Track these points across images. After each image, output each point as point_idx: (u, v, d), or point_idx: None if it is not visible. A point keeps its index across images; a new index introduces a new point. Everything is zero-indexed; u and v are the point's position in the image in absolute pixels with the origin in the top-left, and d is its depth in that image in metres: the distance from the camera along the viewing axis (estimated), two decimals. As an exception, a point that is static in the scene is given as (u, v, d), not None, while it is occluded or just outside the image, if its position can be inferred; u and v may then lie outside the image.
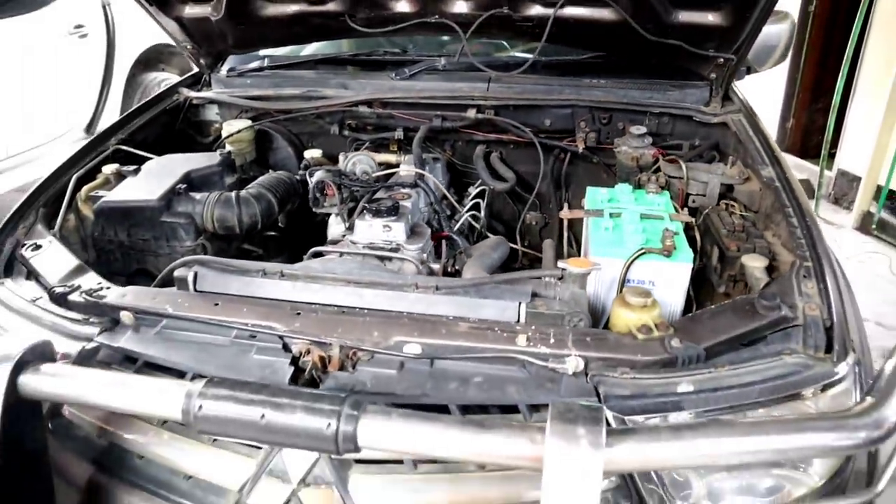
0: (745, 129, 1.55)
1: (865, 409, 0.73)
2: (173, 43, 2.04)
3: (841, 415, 0.74)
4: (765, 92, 5.19)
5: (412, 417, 0.75)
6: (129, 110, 1.94)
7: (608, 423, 0.73)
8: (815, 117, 4.85)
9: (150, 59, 4.93)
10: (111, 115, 4.51)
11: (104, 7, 4.64)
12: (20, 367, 0.84)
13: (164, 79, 5.04)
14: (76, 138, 4.36)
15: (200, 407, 0.77)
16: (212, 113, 2.09)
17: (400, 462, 0.91)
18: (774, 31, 2.05)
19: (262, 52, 2.29)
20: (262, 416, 0.75)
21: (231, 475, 0.94)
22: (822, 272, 1.03)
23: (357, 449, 0.74)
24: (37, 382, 0.84)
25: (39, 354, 0.86)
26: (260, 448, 0.93)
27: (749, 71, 2.10)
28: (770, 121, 5.15)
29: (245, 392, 0.77)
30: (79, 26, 4.38)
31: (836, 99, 3.96)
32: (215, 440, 0.96)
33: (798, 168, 4.89)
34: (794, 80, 4.99)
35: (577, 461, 0.67)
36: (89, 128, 4.48)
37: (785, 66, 4.90)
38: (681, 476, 0.85)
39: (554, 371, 0.90)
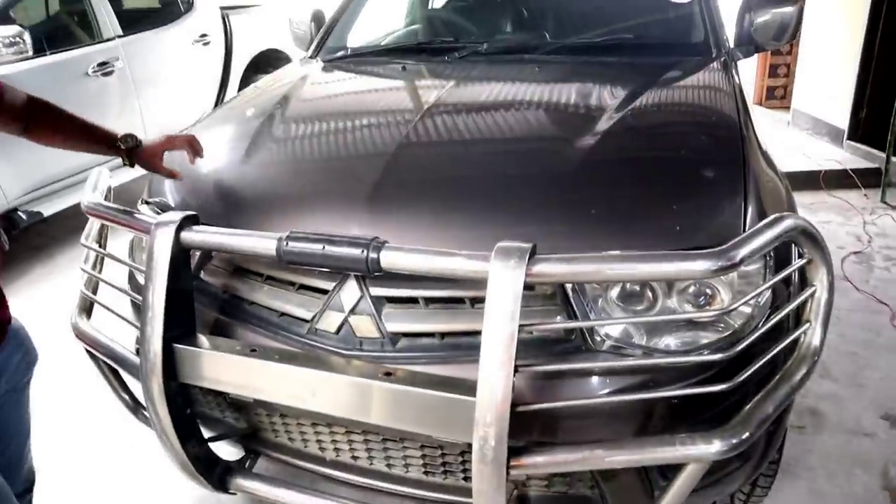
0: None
1: (725, 248, 1.08)
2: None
3: (703, 252, 1.09)
4: (837, 82, 5.27)
5: (414, 251, 1.19)
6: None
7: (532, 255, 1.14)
8: (887, 107, 4.91)
9: (261, 62, 5.66)
10: (228, 111, 5.26)
11: (224, 18, 5.39)
12: (181, 226, 1.35)
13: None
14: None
15: (287, 245, 1.25)
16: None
17: (416, 301, 1.35)
18: (788, 12, 2.36)
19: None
20: (323, 247, 1.23)
21: (307, 310, 1.42)
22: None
23: (380, 269, 1.20)
24: (190, 237, 1.36)
25: (192, 220, 1.38)
26: (324, 292, 1.40)
27: (757, 49, 2.41)
28: (843, 110, 5.23)
29: (313, 235, 1.25)
30: (203, 35, 5.14)
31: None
32: (298, 288, 1.44)
33: (870, 157, 4.96)
34: (867, 70, 5.05)
35: (506, 274, 1.09)
36: (210, 122, 5.24)
37: (857, 56, 4.99)
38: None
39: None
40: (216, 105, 5.26)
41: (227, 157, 1.84)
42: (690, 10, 2.46)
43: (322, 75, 2.40)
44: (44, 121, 1.53)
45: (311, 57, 2.64)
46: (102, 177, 1.73)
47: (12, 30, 3.59)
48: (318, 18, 2.84)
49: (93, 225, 1.75)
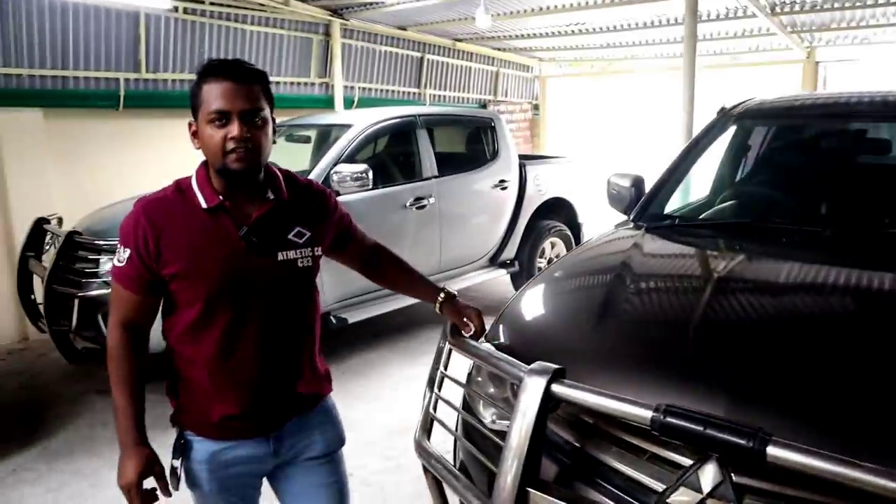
0: None
1: None
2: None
3: None
4: None
5: (811, 453, 1.15)
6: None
7: None
8: None
9: (547, 208, 6.10)
10: (510, 249, 5.72)
11: (521, 167, 5.93)
12: (553, 377, 1.48)
13: (552, 226, 6.14)
14: (481, 265, 5.62)
15: (664, 418, 1.30)
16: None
17: (781, 498, 1.29)
18: None
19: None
20: (704, 428, 1.25)
21: (659, 482, 1.43)
22: None
23: (763, 463, 1.18)
24: (562, 391, 1.47)
25: (560, 373, 1.50)
26: (679, 466, 1.40)
27: None
28: None
29: (694, 413, 1.28)
30: (502, 181, 5.70)
31: None
32: (649, 456, 1.46)
33: None
34: None
35: None
36: (493, 258, 5.70)
37: None
38: None
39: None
40: (501, 244, 5.70)
41: (576, 315, 1.98)
42: None
43: (657, 244, 2.47)
44: (383, 267, 1.83)
45: (632, 220, 2.78)
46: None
47: (360, 167, 4.35)
48: (637, 184, 3.00)
49: (442, 353, 1.98)
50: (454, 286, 5.14)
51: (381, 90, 8.01)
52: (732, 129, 3.19)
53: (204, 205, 1.45)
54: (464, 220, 5.35)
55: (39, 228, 4.25)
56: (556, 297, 2.02)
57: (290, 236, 1.52)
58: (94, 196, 5.47)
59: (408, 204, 4.85)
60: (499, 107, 9.55)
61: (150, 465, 1.46)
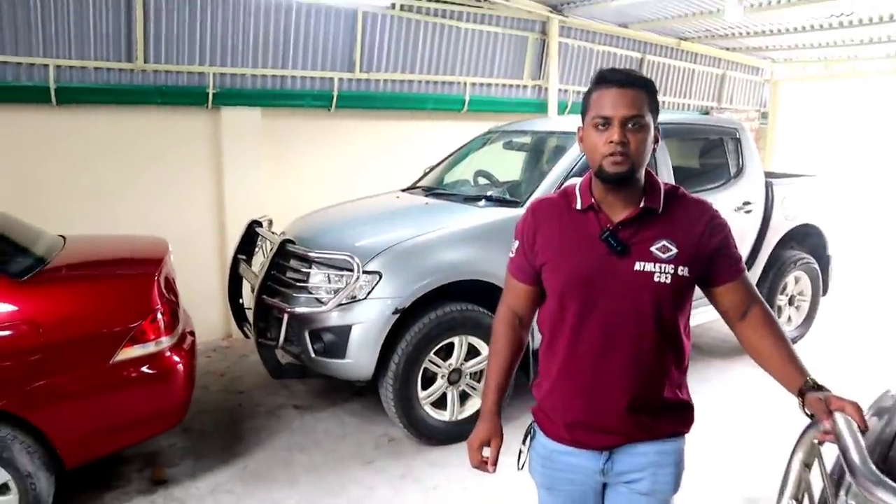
0: None
1: None
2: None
3: None
4: None
5: None
6: None
7: None
8: None
9: (793, 237, 5.13)
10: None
11: (767, 187, 4.98)
12: None
13: (799, 257, 5.13)
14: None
15: None
16: None
17: None
18: None
19: None
20: None
21: None
22: None
23: None
24: None
25: None
26: None
27: None
28: None
29: None
30: (746, 203, 4.79)
31: None
32: None
33: None
34: None
35: None
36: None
37: None
38: None
39: None
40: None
41: None
42: None
43: None
44: (754, 328, 1.53)
45: None
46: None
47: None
48: None
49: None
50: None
51: (596, 94, 7.26)
52: None
53: (578, 206, 1.53)
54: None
55: (252, 231, 4.12)
56: None
57: (653, 248, 1.47)
58: (301, 198, 5.39)
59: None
60: (722, 115, 8.42)
61: (490, 435, 1.64)
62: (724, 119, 5.99)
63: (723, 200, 4.69)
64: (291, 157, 5.60)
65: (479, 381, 3.69)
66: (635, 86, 1.44)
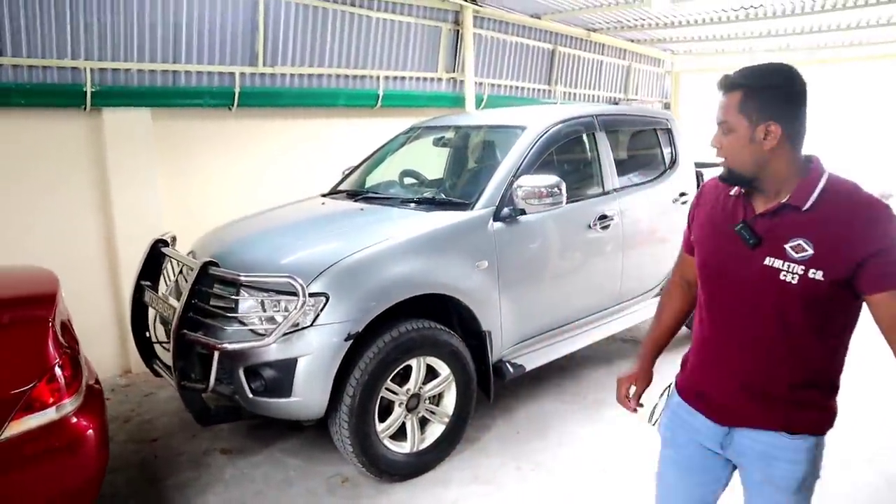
0: None
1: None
2: None
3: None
4: None
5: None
6: None
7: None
8: None
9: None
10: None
11: (697, 177, 4.94)
12: None
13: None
14: (657, 294, 4.63)
15: None
16: None
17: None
18: None
19: None
20: None
21: None
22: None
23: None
24: None
25: None
26: None
27: None
28: None
29: None
30: (682, 194, 4.72)
31: None
32: None
33: None
34: None
35: None
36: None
37: None
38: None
39: None
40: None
41: None
42: None
43: None
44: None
45: None
46: None
47: (551, 180, 3.43)
48: None
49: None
50: (632, 320, 4.26)
51: (511, 87, 7.03)
52: None
53: (732, 192, 1.57)
54: (644, 243, 4.39)
55: (157, 252, 3.48)
56: None
57: (787, 245, 1.44)
58: (204, 210, 4.78)
59: (592, 223, 3.93)
60: (632, 105, 8.50)
61: (634, 379, 1.92)
62: (656, 111, 5.94)
63: (662, 192, 4.59)
64: (190, 164, 4.93)
65: (437, 405, 3.31)
66: (730, 89, 1.47)
